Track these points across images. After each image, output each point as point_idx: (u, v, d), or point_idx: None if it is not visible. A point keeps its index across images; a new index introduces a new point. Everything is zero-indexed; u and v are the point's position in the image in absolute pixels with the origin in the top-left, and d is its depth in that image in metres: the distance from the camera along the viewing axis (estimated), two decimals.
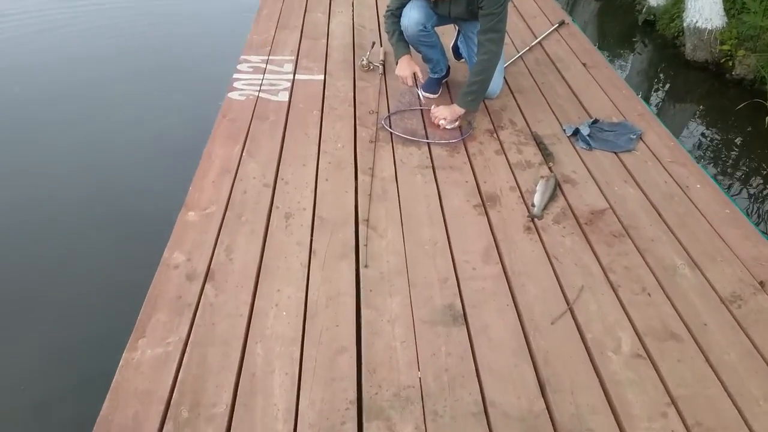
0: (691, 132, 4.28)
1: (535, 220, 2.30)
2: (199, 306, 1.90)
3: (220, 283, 1.98)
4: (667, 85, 5.01)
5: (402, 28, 2.89)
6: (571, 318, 1.92)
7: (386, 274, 2.05)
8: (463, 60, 3.45)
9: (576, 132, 2.84)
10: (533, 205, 2.35)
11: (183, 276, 2.00)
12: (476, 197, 2.42)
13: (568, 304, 1.96)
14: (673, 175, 2.59)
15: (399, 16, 2.88)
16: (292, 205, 2.34)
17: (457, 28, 3.29)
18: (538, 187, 2.43)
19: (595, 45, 3.91)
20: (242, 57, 3.52)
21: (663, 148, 2.79)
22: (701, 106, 4.69)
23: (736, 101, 4.52)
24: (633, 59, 5.50)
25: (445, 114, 2.86)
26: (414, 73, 2.90)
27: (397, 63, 2.92)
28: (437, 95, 3.18)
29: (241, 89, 3.17)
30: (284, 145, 2.72)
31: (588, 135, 2.79)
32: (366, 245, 2.14)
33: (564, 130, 2.90)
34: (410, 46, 2.94)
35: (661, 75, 5.14)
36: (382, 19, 3.99)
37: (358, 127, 2.88)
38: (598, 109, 3.09)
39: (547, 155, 2.68)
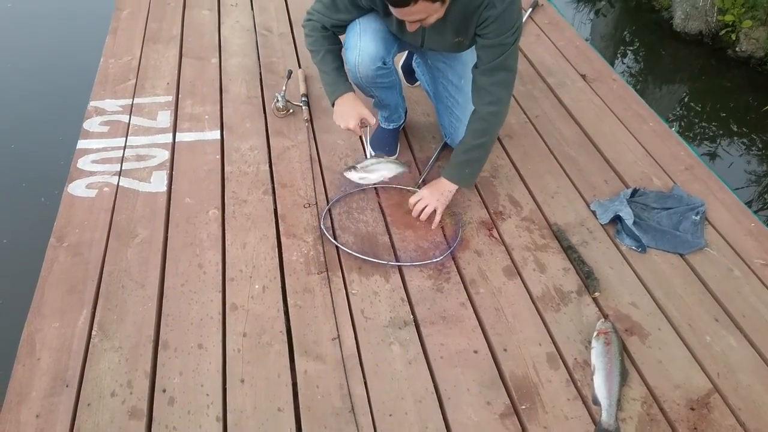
0: (688, 120, 3.43)
1: None
2: None
3: None
4: (650, 62, 4.11)
5: (349, 68, 1.80)
6: None
7: None
8: (417, 84, 2.41)
9: (615, 219, 1.89)
10: (598, 405, 1.41)
11: None
12: (500, 394, 1.44)
13: None
14: None
15: (329, 29, 1.77)
16: None
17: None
18: (596, 361, 1.47)
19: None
20: (92, 104, 2.31)
21: (743, 235, 1.88)
22: (695, 90, 3.82)
23: (740, 84, 3.68)
24: (604, 26, 4.55)
25: (431, 201, 1.83)
26: (362, 119, 1.81)
27: (333, 104, 1.83)
28: (395, 155, 2.13)
29: (91, 173, 2.01)
30: (163, 299, 1.63)
31: (634, 223, 1.84)
32: None
33: (594, 213, 1.94)
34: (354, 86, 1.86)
35: (642, 50, 4.22)
36: (295, 14, 2.84)
37: (283, 240, 1.81)
38: (624, 161, 2.14)
39: (586, 275, 1.72)
